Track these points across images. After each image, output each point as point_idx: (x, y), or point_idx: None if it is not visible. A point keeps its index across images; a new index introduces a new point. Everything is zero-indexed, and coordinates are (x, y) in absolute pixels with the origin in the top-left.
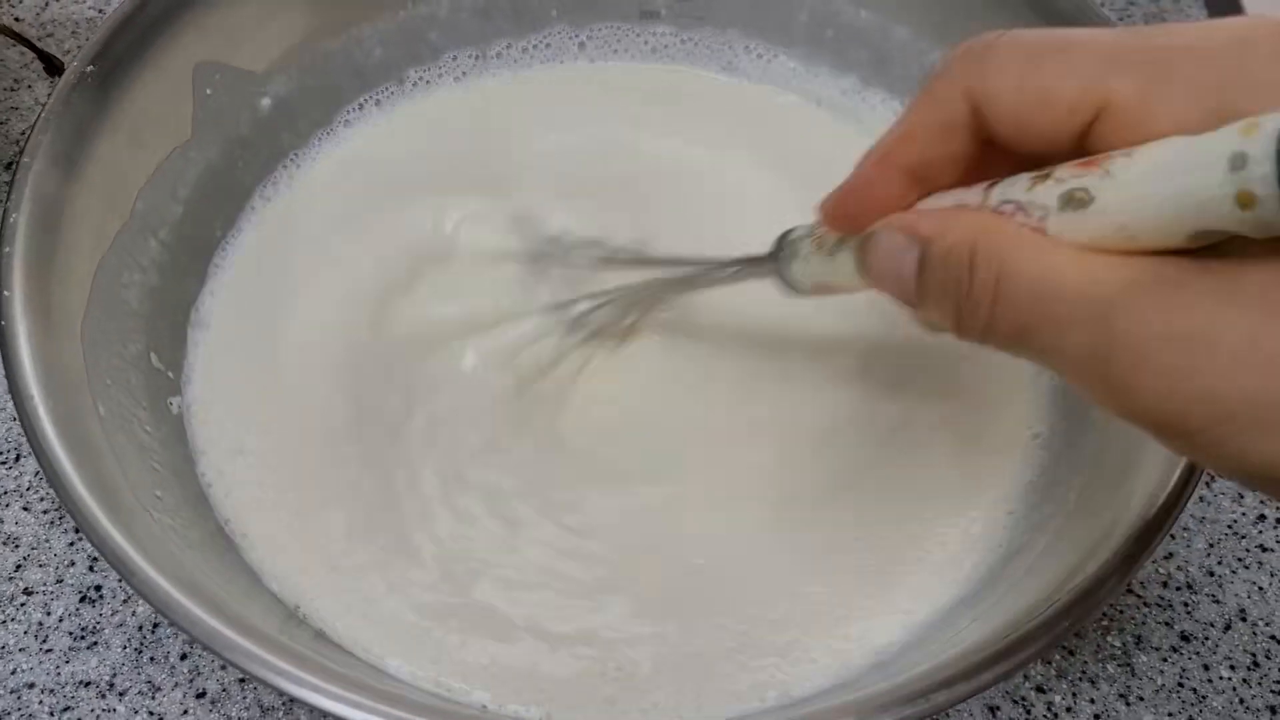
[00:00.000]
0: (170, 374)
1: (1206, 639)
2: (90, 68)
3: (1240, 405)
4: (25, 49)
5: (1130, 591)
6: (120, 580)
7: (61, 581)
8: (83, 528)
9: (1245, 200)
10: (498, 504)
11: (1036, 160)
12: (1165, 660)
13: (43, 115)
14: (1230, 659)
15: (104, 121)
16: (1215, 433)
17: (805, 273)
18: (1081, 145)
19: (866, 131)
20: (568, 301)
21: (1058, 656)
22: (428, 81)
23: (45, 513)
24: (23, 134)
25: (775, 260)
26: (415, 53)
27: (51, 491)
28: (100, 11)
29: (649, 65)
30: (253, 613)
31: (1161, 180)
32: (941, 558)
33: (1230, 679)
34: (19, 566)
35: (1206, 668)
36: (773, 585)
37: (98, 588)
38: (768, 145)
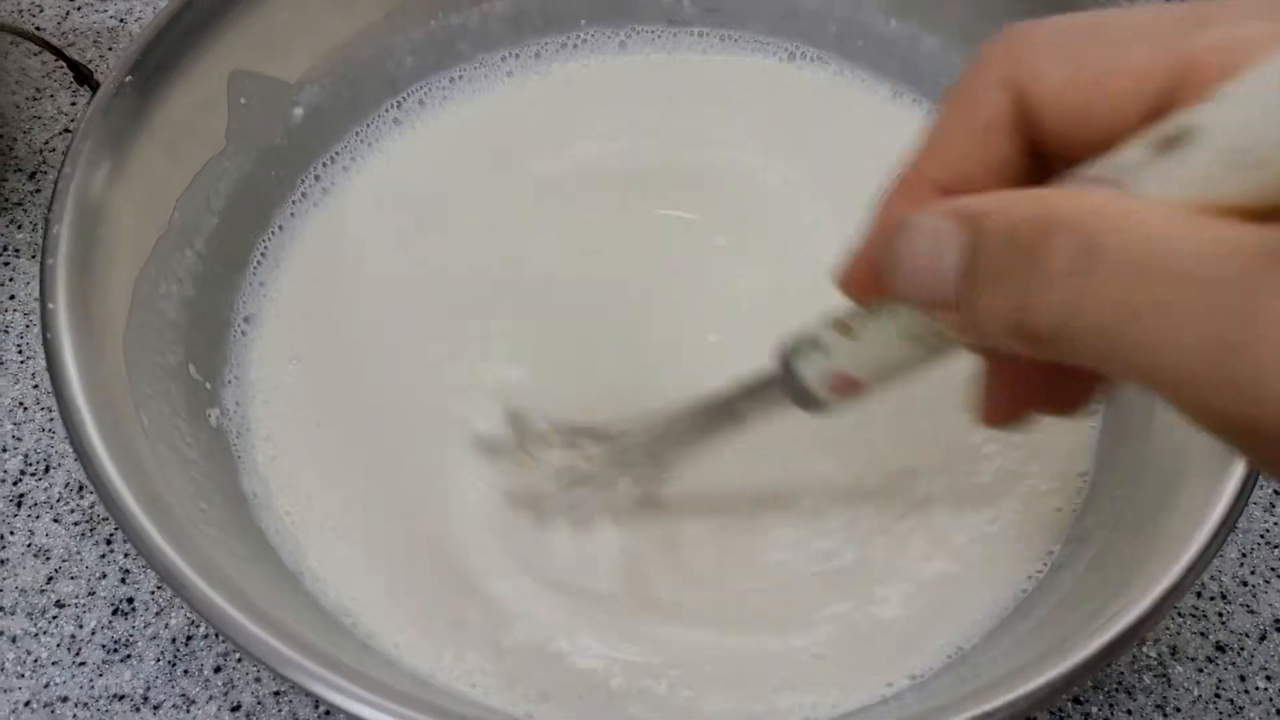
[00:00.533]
0: (209, 385)
1: (1242, 649)
2: (129, 77)
3: None
4: (48, 58)
5: None
6: (153, 592)
7: (94, 594)
8: (134, 541)
9: None
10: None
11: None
12: (1201, 671)
13: (83, 125)
14: (1266, 669)
15: (142, 131)
16: None
17: (825, 367)
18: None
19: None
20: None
21: None
22: (458, 87)
23: (76, 524)
24: (46, 143)
25: (786, 371)
26: (445, 62)
27: (82, 503)
28: (121, 21)
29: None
30: (301, 624)
31: None
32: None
33: (1266, 689)
34: (50, 579)
35: (1243, 678)
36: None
37: (130, 600)
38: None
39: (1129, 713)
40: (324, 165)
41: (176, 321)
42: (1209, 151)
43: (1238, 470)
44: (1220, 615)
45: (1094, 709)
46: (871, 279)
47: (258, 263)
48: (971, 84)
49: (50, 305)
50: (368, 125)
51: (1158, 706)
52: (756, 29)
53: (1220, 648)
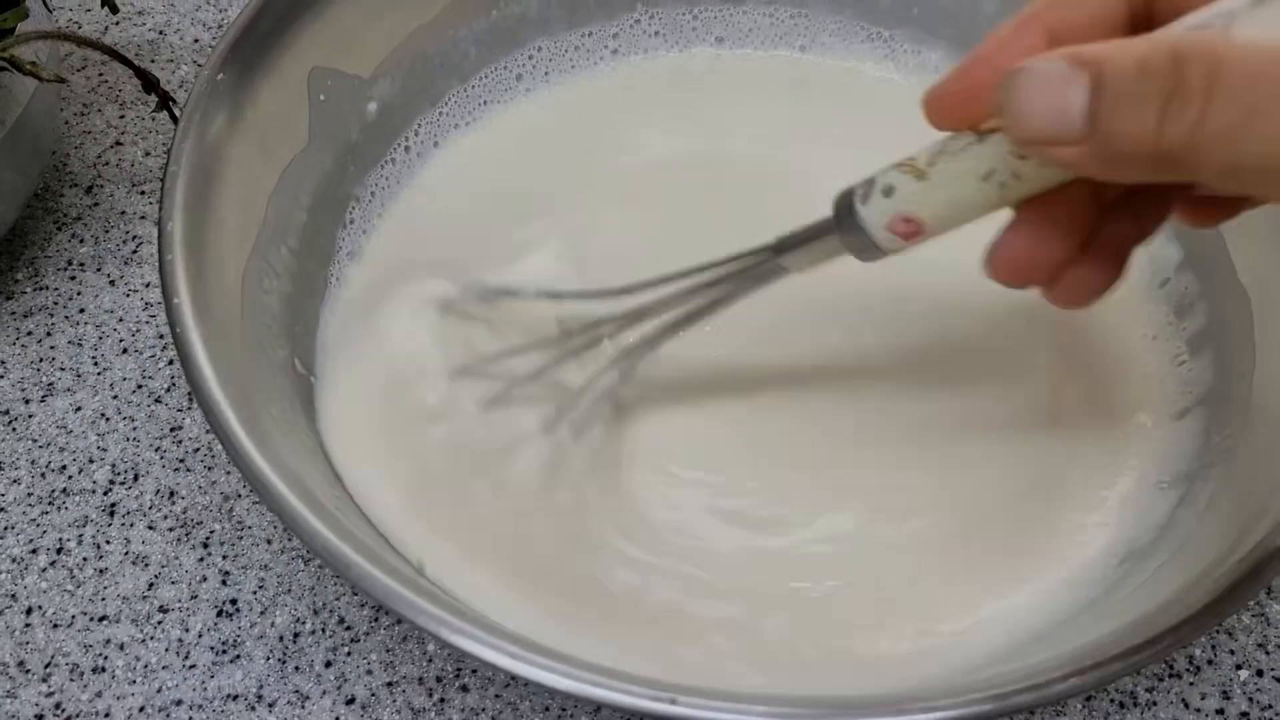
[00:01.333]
0: (312, 379)
1: None
2: (221, 74)
3: None
4: (91, 73)
5: None
6: (255, 592)
7: (196, 597)
8: (299, 533)
9: None
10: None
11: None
12: None
13: (182, 122)
14: None
15: (236, 127)
16: None
17: (887, 210)
18: None
19: None
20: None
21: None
22: (523, 79)
23: (170, 530)
24: (99, 157)
25: (842, 215)
26: (508, 51)
27: (174, 509)
28: (160, 33)
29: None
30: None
31: None
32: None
33: None
34: (151, 585)
35: None
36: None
37: (233, 601)
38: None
39: (1231, 653)
40: (395, 159)
41: (281, 317)
42: None
43: None
44: None
45: (1196, 651)
46: (963, 105)
47: (340, 260)
48: None
49: (175, 300)
50: (438, 118)
51: (1259, 645)
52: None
53: None
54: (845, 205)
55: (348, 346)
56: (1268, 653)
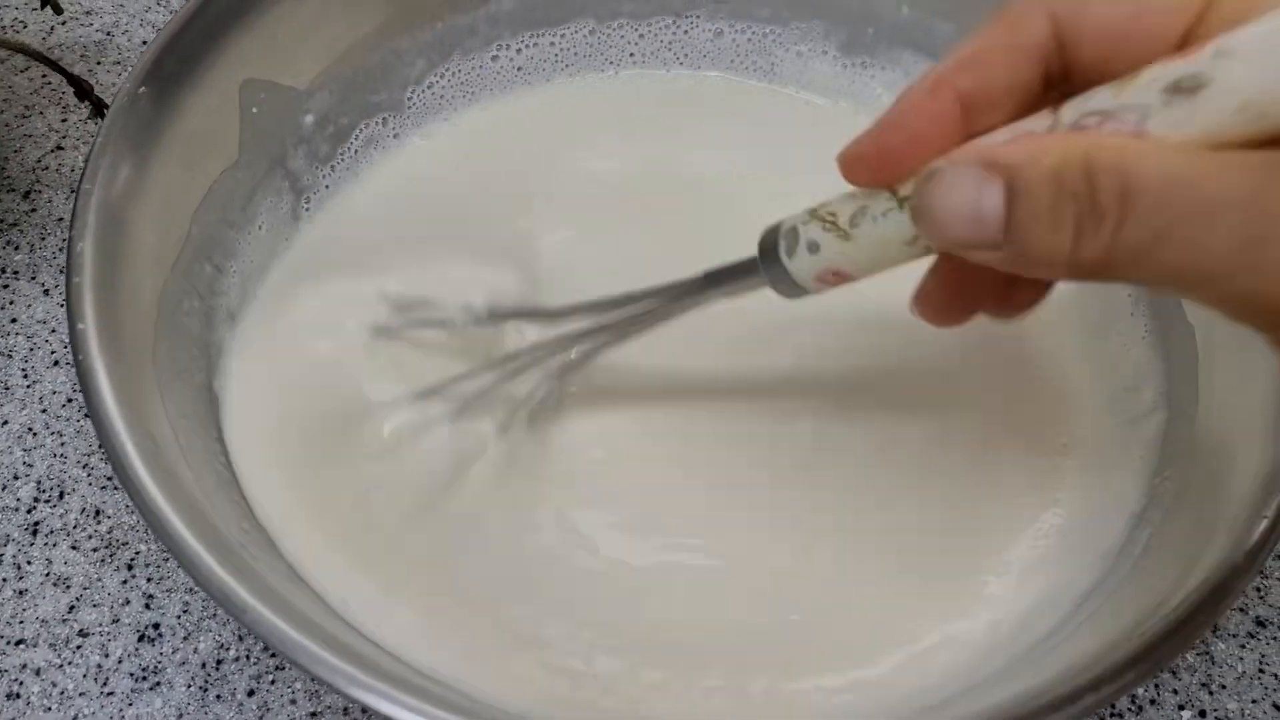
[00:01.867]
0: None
1: None
2: (142, 88)
3: None
4: (35, 75)
5: None
6: (179, 617)
7: (118, 621)
8: (189, 570)
9: None
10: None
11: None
12: (1244, 647)
13: (98, 140)
14: None
15: (157, 144)
16: None
17: (811, 264)
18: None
19: None
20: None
21: None
22: (467, 91)
23: (95, 550)
24: (38, 161)
25: (766, 259)
26: (452, 65)
27: (99, 528)
28: (108, 34)
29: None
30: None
31: None
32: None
33: None
34: (72, 608)
35: None
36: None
37: (156, 626)
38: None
39: (1175, 692)
40: (333, 170)
41: (200, 338)
42: (1215, 102)
43: None
44: (1258, 590)
45: (1140, 690)
46: (878, 167)
47: (267, 275)
48: (1015, 9)
49: (80, 326)
50: (378, 130)
51: (1202, 684)
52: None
53: (1260, 623)
54: (771, 254)
55: (257, 366)
56: (1211, 693)
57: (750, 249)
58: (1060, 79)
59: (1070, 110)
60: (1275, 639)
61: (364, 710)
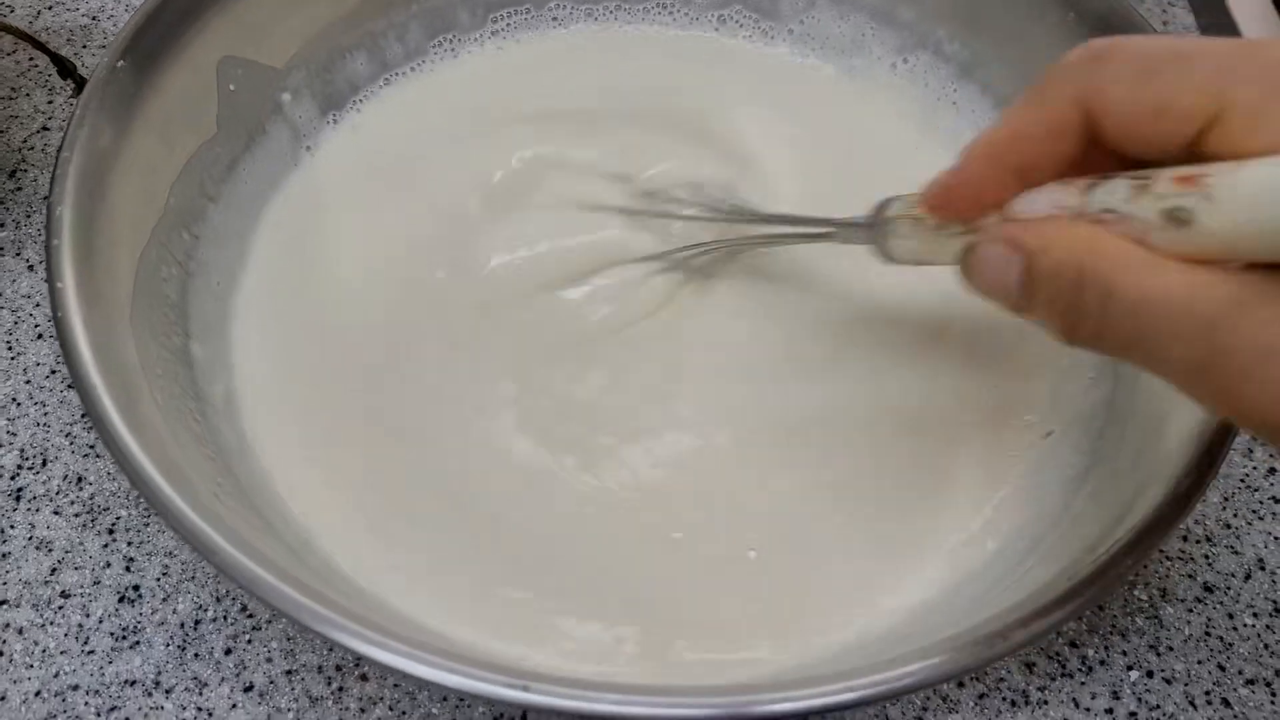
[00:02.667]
0: (213, 363)
1: (1228, 589)
2: (121, 62)
3: None
4: (21, 57)
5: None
6: (159, 579)
7: (99, 583)
8: (163, 515)
9: None
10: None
11: (1140, 163)
12: (1191, 611)
13: (78, 110)
14: (1252, 606)
15: (135, 116)
16: None
17: (903, 249)
18: (1191, 152)
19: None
20: (667, 253)
21: (1089, 612)
22: (453, 54)
23: (76, 515)
24: (24, 141)
25: (873, 229)
26: (428, 43)
27: (81, 494)
28: (94, 18)
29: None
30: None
31: (1266, 204)
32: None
33: (1254, 625)
34: (54, 570)
35: (1230, 616)
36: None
37: (135, 587)
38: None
39: (1124, 654)
40: (305, 142)
41: (178, 303)
42: (1201, 238)
43: None
44: (1206, 557)
45: (1090, 651)
46: (949, 208)
47: (255, 239)
48: (1050, 95)
49: (59, 284)
50: (357, 102)
51: (1151, 646)
52: None
53: (1208, 588)
54: (875, 224)
55: (268, 315)
56: (1159, 654)
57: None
58: (1097, 141)
59: (1098, 198)
60: (1221, 604)
61: (337, 668)
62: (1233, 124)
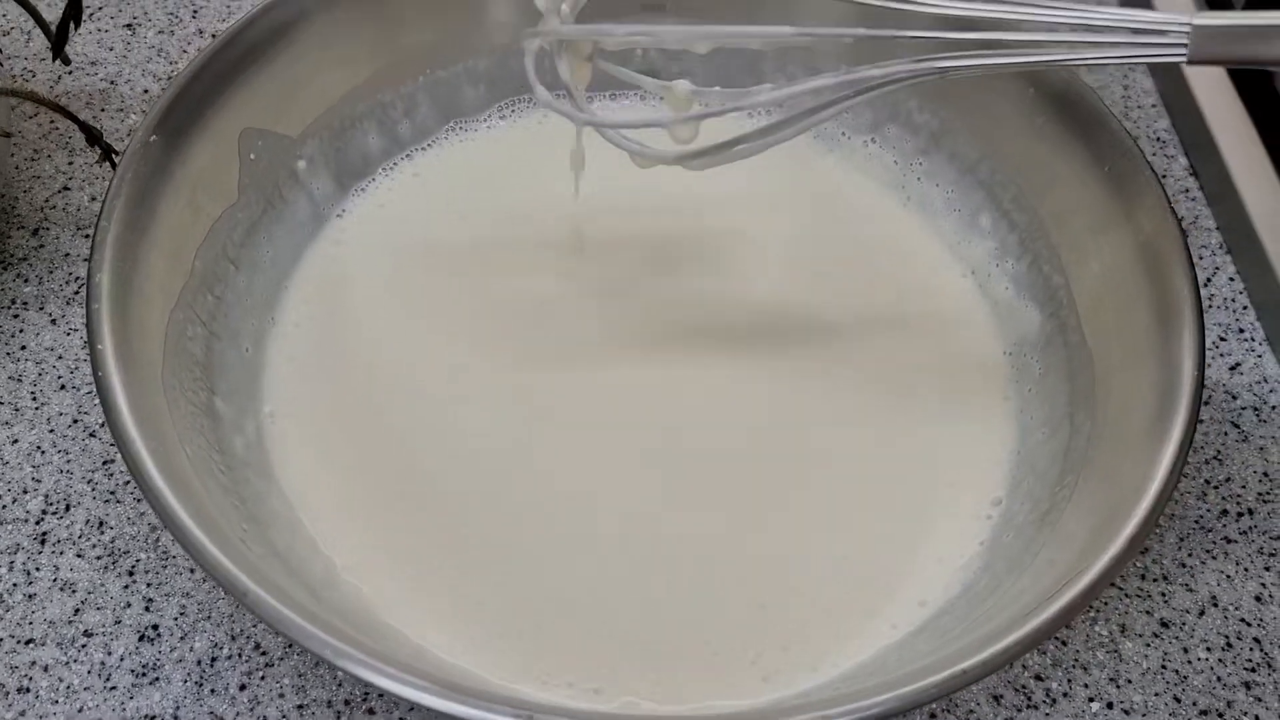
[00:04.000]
0: (235, 416)
1: (1184, 624)
2: (153, 137)
3: None
4: (43, 120)
5: (1113, 585)
6: (177, 619)
7: (120, 622)
8: (198, 560)
9: None
10: None
11: None
12: (1149, 645)
13: (114, 182)
14: (1206, 641)
15: (166, 186)
16: None
17: None
18: None
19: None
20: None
21: (1052, 646)
22: (461, 133)
23: (99, 559)
24: (46, 201)
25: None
26: (436, 116)
27: (103, 538)
28: (111, 83)
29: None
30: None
31: None
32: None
33: (1208, 659)
34: (77, 610)
35: (1186, 650)
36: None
37: (155, 626)
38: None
39: (1085, 686)
40: (324, 211)
41: (203, 360)
42: None
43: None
44: (1163, 594)
45: (1054, 684)
46: None
47: (279, 302)
48: None
49: (100, 346)
50: (368, 177)
51: (1111, 679)
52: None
53: (1164, 624)
54: None
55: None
56: (1119, 687)
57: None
58: None
59: None
60: (1177, 639)
61: (346, 702)
62: None
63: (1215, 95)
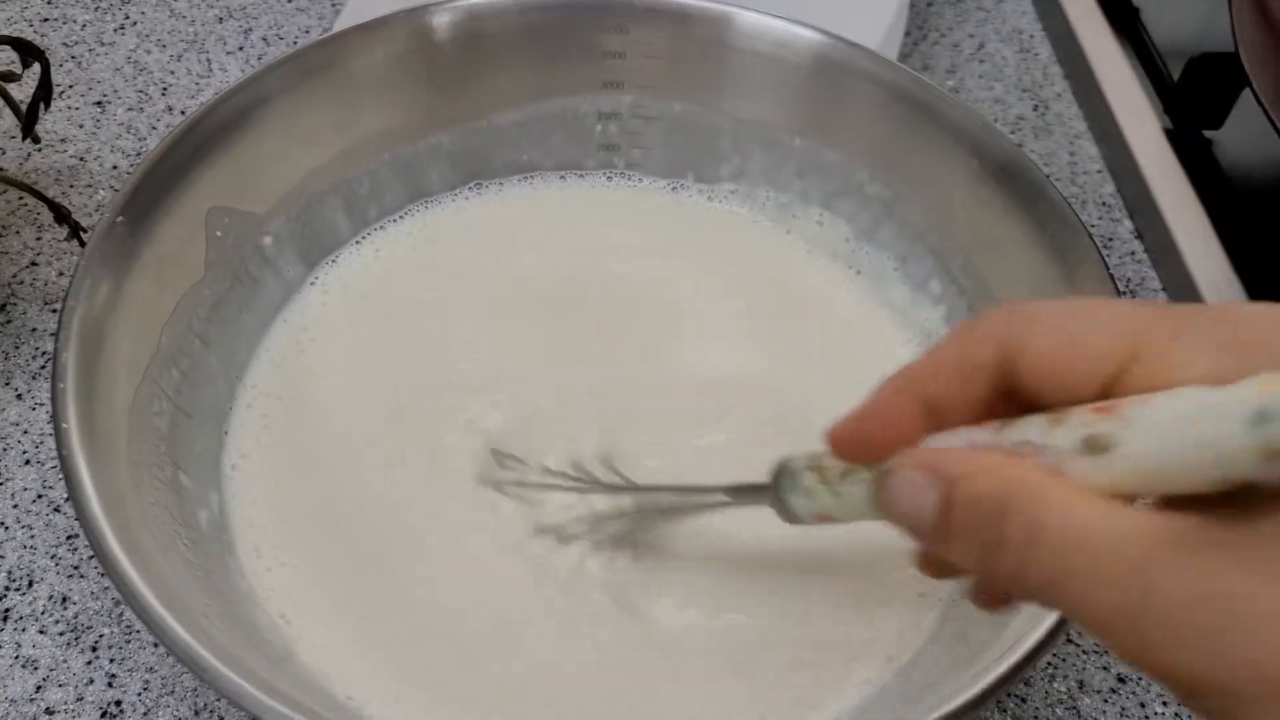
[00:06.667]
0: (199, 490)
1: (1140, 679)
2: (120, 218)
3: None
4: (11, 197)
5: (1070, 641)
6: (140, 694)
7: (82, 699)
8: (165, 642)
9: (1270, 455)
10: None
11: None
12: (1106, 701)
13: (82, 261)
14: (1162, 696)
15: (133, 264)
16: (1252, 697)
17: (807, 506)
18: (1105, 396)
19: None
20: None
21: (1012, 704)
22: (425, 209)
23: (61, 634)
24: (14, 276)
25: (774, 491)
26: (400, 194)
27: (65, 614)
28: (81, 160)
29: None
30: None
31: (1182, 432)
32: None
33: (1164, 714)
34: (39, 687)
35: (1143, 705)
36: None
37: (118, 703)
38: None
39: None
40: (291, 286)
41: (168, 435)
42: (1119, 464)
43: None
44: None
45: None
46: (856, 445)
47: (234, 379)
48: (968, 336)
49: (64, 425)
50: (334, 252)
51: None
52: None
53: (1121, 679)
54: (778, 488)
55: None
56: None
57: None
58: (1009, 391)
59: (1013, 433)
60: (1134, 694)
61: None
62: (1148, 364)
63: (1157, 160)
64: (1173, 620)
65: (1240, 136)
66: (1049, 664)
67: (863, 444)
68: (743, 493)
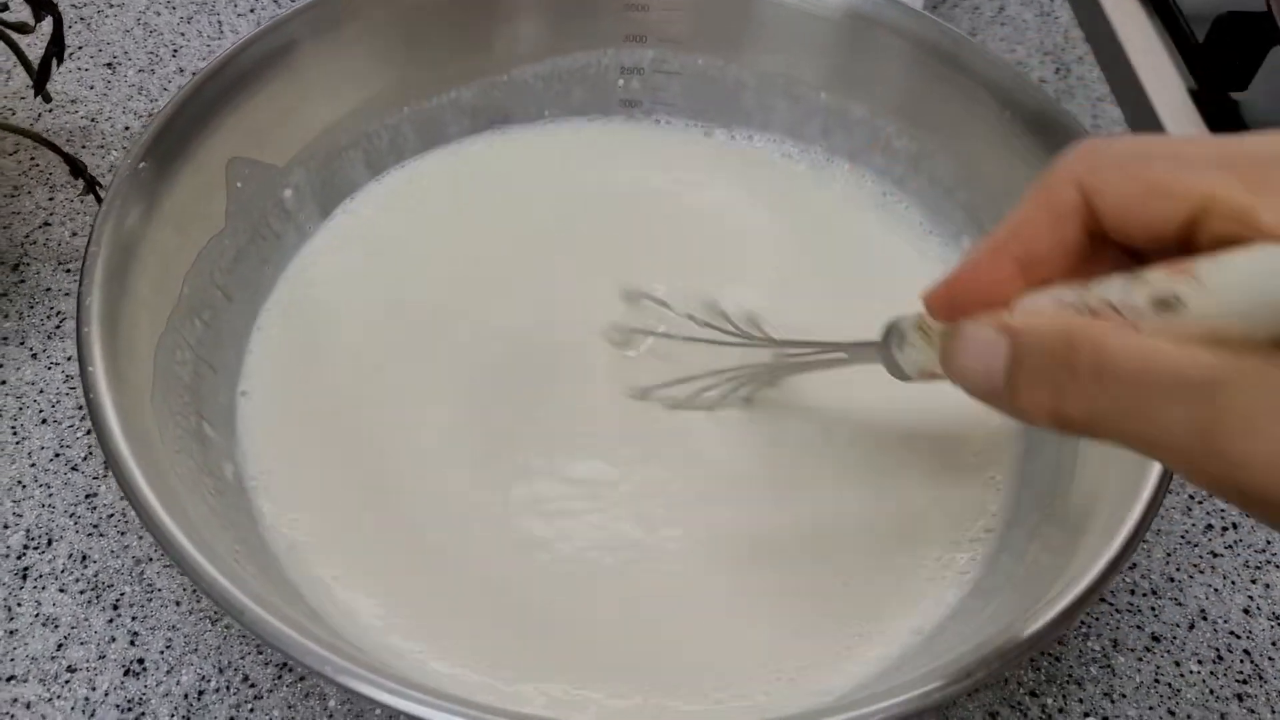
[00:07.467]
0: (224, 442)
1: (1174, 638)
2: (142, 163)
3: None
4: (23, 157)
5: (1103, 600)
6: (163, 652)
7: (104, 657)
8: (193, 577)
9: None
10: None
11: (1139, 255)
12: (1141, 660)
13: (103, 206)
14: (1197, 654)
15: (154, 212)
16: None
17: (913, 361)
18: (1184, 239)
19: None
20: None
21: (1045, 663)
22: (432, 164)
23: (81, 592)
24: (26, 236)
25: (885, 347)
26: (418, 144)
27: (86, 572)
28: (92, 120)
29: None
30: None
31: (1251, 287)
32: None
33: (1199, 672)
34: (60, 645)
35: (1178, 664)
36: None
37: (140, 660)
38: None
39: (1080, 701)
40: (309, 239)
41: (191, 385)
42: (1189, 321)
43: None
44: (1153, 609)
45: (1049, 700)
46: (949, 306)
47: (261, 327)
48: (1051, 180)
49: (90, 368)
50: (348, 203)
51: (1105, 694)
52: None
53: (1156, 638)
54: (886, 344)
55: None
56: (1113, 701)
57: None
58: (1100, 234)
59: (1093, 293)
60: (1169, 653)
61: None
62: (1222, 211)
63: (1182, 122)
64: (1248, 431)
65: (1267, 97)
66: (1083, 623)
67: (960, 307)
68: (859, 348)
